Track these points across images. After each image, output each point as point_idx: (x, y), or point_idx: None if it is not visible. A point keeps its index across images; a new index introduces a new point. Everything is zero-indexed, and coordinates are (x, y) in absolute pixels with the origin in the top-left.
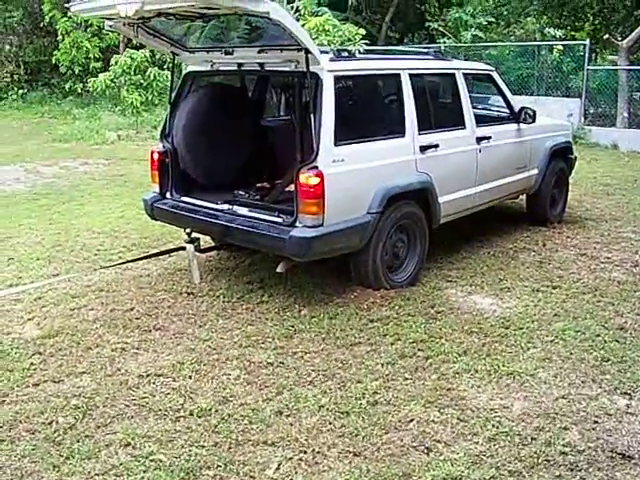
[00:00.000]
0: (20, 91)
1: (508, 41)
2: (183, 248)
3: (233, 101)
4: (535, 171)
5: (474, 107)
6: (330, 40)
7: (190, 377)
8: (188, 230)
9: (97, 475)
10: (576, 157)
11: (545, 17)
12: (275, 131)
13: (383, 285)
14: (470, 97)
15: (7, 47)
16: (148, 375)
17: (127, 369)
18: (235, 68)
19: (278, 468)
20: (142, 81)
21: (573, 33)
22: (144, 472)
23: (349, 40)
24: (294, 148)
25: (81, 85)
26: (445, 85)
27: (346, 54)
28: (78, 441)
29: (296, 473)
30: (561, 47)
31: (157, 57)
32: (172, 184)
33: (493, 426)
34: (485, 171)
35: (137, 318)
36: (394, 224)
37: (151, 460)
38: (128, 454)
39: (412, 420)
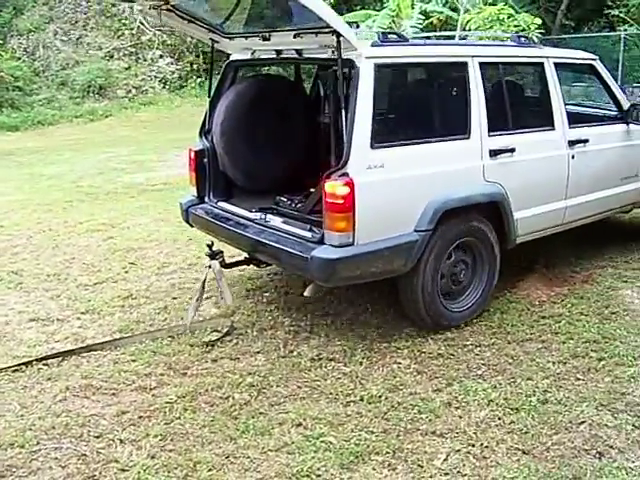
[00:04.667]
0: (198, 79)
1: None
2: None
3: (280, 94)
4: None
5: (569, 104)
6: (505, 29)
7: (361, 363)
8: (209, 242)
9: (270, 451)
10: None
11: None
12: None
13: (437, 318)
14: (562, 91)
15: (189, 39)
16: (320, 359)
17: (299, 352)
18: (274, 56)
19: (446, 459)
20: None
21: None
22: (315, 452)
23: (524, 30)
24: None
25: None
26: (530, 77)
27: (395, 38)
28: (253, 417)
29: (464, 466)
30: None
31: None
32: (210, 187)
33: None
34: (580, 181)
35: (310, 303)
36: (452, 243)
37: (322, 441)
38: (300, 434)
39: (583, 422)
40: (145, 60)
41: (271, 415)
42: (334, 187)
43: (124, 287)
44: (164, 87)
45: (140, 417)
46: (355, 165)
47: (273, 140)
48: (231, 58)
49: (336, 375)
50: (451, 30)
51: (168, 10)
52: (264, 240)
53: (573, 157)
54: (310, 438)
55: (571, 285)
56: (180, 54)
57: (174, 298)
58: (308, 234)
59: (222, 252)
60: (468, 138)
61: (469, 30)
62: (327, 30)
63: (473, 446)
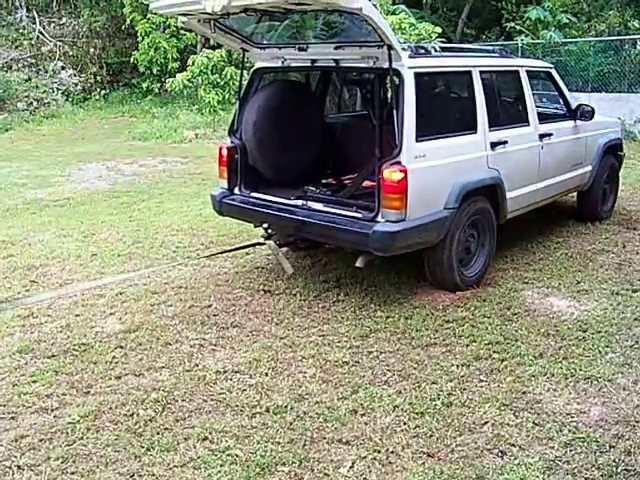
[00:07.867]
0: (102, 91)
1: (588, 36)
2: (259, 244)
3: (301, 97)
4: (589, 168)
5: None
6: (406, 38)
7: (266, 374)
8: (265, 225)
9: (176, 467)
10: (624, 154)
11: (629, 9)
12: (341, 127)
13: (457, 282)
14: (533, 94)
15: (92, 50)
16: (225, 371)
17: (205, 365)
18: (308, 64)
19: (352, 467)
20: (219, 80)
21: None
22: (221, 466)
23: (424, 39)
24: (361, 145)
25: (158, 85)
26: (510, 82)
27: (423, 51)
28: (158, 433)
29: (370, 472)
30: None
31: (234, 57)
32: (240, 180)
33: (569, 431)
34: (547, 167)
35: (215, 315)
36: (468, 220)
37: (228, 455)
38: (206, 448)
39: (487, 422)
40: (46, 72)
41: (176, 430)
42: (391, 173)
43: (24, 306)
44: (67, 100)
45: (40, 440)
46: (406, 155)
47: (297, 137)
48: (257, 65)
49: (241, 387)
50: None
51: (216, 24)
52: (317, 221)
53: (542, 148)
54: (216, 452)
55: (474, 288)
56: (83, 66)
57: (77, 315)
58: (358, 214)
59: (276, 233)
60: (476, 133)
61: None
62: (374, 43)
63: (379, 452)
